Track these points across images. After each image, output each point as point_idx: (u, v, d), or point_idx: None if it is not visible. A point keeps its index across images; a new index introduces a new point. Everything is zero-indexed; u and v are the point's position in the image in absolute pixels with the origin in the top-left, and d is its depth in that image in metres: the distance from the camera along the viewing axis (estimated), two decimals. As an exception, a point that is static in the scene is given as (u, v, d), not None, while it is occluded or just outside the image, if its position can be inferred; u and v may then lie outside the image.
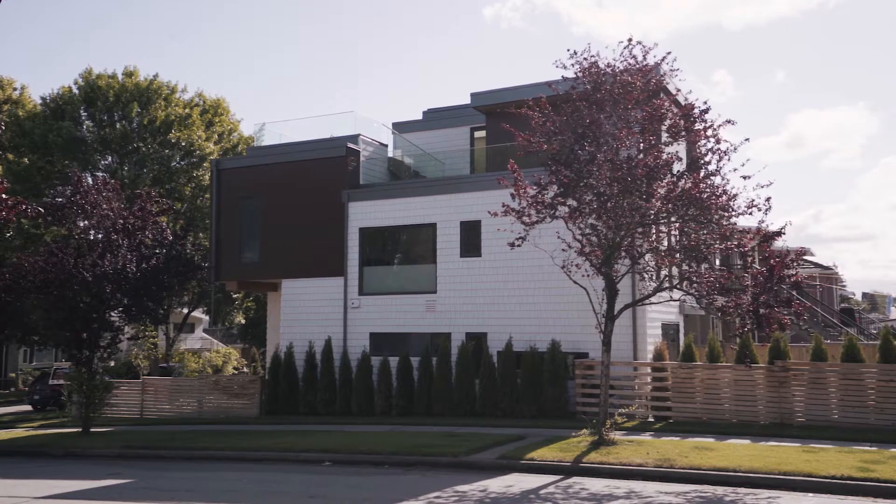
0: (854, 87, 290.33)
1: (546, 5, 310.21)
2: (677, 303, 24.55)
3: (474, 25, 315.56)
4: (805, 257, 31.67)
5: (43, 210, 17.74)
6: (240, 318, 52.82)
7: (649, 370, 21.01)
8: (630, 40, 17.19)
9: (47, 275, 21.98)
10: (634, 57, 17.16)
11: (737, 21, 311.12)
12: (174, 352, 44.02)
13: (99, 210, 22.89)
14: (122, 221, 23.36)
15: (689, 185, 15.76)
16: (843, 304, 53.81)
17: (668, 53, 17.35)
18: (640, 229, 16.43)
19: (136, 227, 23.70)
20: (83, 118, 41.88)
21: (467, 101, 27.46)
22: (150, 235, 24.32)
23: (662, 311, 23.12)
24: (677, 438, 17.35)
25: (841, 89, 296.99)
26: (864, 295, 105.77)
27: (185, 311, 46.40)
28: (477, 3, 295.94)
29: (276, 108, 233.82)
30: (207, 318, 65.61)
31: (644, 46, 17.26)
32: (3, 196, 10.08)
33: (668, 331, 24.27)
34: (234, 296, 46.29)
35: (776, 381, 19.06)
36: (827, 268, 50.54)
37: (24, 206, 11.37)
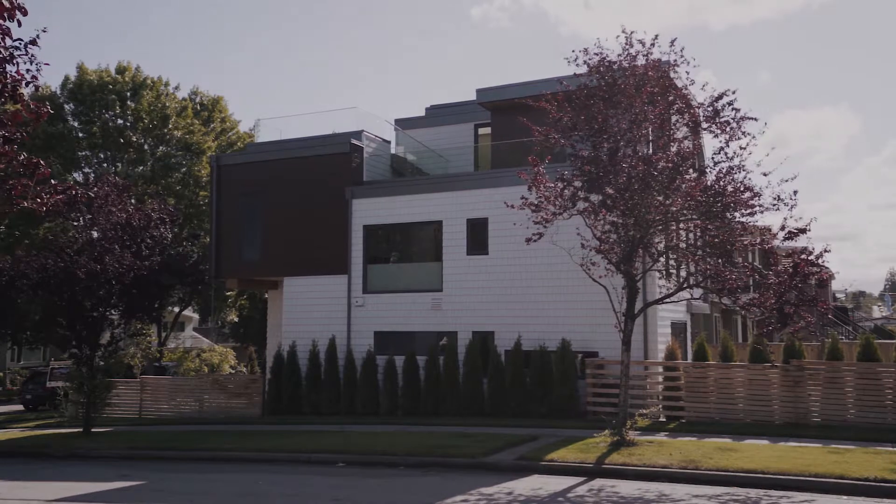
0: (837, 88, 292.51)
1: (534, 6, 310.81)
2: (685, 302, 24.39)
3: (462, 25, 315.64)
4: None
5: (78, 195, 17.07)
6: (233, 317, 52.27)
7: (661, 369, 20.82)
8: (626, 31, 16.84)
9: (46, 272, 21.53)
10: (641, 43, 16.75)
11: (722, 22, 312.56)
12: (174, 350, 43.47)
13: (106, 208, 22.44)
14: (124, 217, 22.94)
15: (712, 180, 15.54)
16: (835, 303, 54.03)
17: (675, 39, 16.82)
18: (660, 226, 16.21)
19: (138, 227, 23.30)
20: (67, 115, 41.26)
21: (458, 99, 27.19)
22: (150, 234, 23.90)
23: (672, 310, 22.95)
24: (695, 438, 17.15)
25: (824, 90, 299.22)
26: (861, 293, 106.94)
27: (177, 309, 45.86)
28: (465, 3, 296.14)
29: (272, 109, 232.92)
30: (198, 316, 65.04)
31: (642, 41, 16.89)
32: (53, 182, 9.73)
33: (677, 330, 24.10)
34: (228, 293, 45.79)
35: (791, 381, 18.90)
36: (822, 267, 50.61)
37: (74, 192, 11.00)
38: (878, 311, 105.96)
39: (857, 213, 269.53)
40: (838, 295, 76.73)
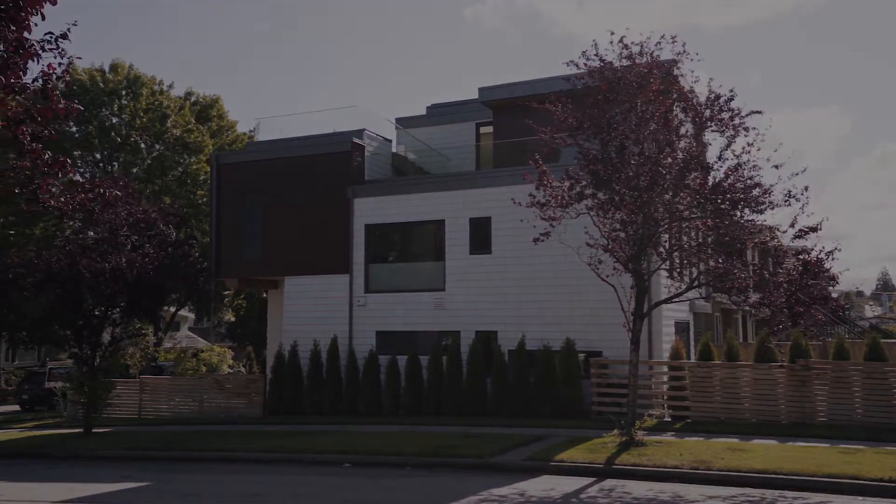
0: (828, 90, 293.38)
1: (527, 6, 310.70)
2: (688, 301, 24.32)
3: (456, 25, 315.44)
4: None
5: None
6: (230, 317, 52.05)
7: (666, 369, 20.73)
8: (614, 34, 16.78)
9: (50, 270, 21.35)
10: (640, 45, 16.64)
11: (714, 24, 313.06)
12: (171, 350, 43.26)
13: (114, 208, 22.27)
14: (137, 216, 22.88)
15: (721, 177, 15.47)
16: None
17: (675, 37, 16.73)
18: (666, 224, 16.13)
19: (142, 228, 23.18)
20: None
21: (455, 98, 27.10)
22: (154, 232, 23.79)
23: (676, 310, 22.87)
24: (702, 439, 17.08)
25: (814, 91, 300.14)
26: (860, 293, 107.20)
27: (173, 309, 45.62)
28: (458, 3, 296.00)
29: (272, 109, 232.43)
30: (193, 316, 64.74)
31: (640, 43, 16.79)
32: (81, 180, 9.68)
33: (680, 329, 24.03)
34: (225, 293, 45.60)
35: (798, 380, 18.82)
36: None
37: (101, 190, 10.84)
38: (869, 311, 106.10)
39: (848, 213, 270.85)
40: (833, 295, 76.88)
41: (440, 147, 28.43)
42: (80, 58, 9.03)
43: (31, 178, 9.03)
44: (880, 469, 12.77)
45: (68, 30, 8.76)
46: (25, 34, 8.27)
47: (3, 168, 9.31)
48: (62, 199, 9.33)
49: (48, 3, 8.11)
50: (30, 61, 8.43)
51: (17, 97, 8.72)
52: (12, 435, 24.02)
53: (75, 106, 8.88)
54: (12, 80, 8.17)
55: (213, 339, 62.00)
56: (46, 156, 8.82)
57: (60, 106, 8.51)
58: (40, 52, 8.52)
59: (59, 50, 8.72)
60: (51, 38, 8.73)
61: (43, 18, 8.16)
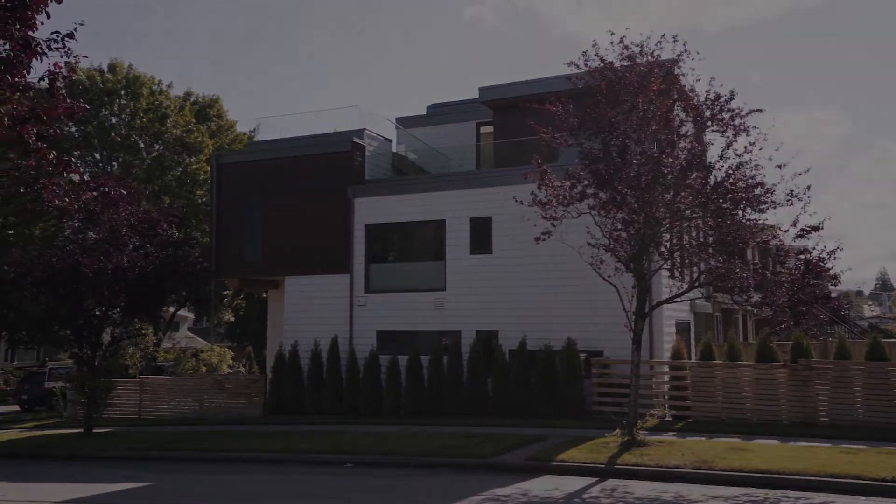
0: (827, 89, 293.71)
1: (527, 6, 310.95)
2: (689, 301, 24.31)
3: (455, 25, 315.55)
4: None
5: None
6: (229, 317, 51.99)
7: (667, 369, 20.73)
8: (614, 34, 16.81)
9: (52, 270, 21.32)
10: (640, 45, 16.63)
11: (715, 24, 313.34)
12: (170, 350, 43.19)
13: (115, 208, 22.25)
14: (139, 216, 22.89)
15: (722, 177, 15.45)
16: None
17: (676, 36, 16.66)
18: (667, 224, 16.12)
19: (144, 228, 23.18)
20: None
21: (455, 98, 27.08)
22: (156, 232, 23.78)
23: (676, 309, 22.86)
24: (704, 438, 17.07)
25: (815, 91, 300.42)
26: (860, 293, 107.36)
27: (173, 309, 45.54)
28: (458, 3, 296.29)
29: (272, 110, 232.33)
30: (192, 316, 64.68)
31: (640, 44, 16.78)
32: (85, 178, 9.66)
33: (680, 329, 24.02)
34: (224, 293, 45.55)
35: (799, 380, 18.81)
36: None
37: (107, 189, 10.80)
38: (868, 311, 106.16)
39: (847, 213, 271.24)
40: (833, 294, 76.88)
41: (440, 147, 28.42)
42: (86, 56, 9.02)
43: (36, 178, 8.99)
44: (882, 469, 12.75)
45: (75, 29, 8.72)
46: (31, 33, 8.25)
47: (6, 168, 9.31)
48: (66, 199, 9.29)
49: (54, 1, 8.11)
50: (34, 60, 8.40)
51: (22, 96, 8.69)
52: (12, 435, 24.00)
53: (81, 105, 8.83)
54: (17, 79, 8.15)
55: (213, 339, 61.88)
56: (51, 155, 8.77)
57: (65, 105, 8.48)
58: (46, 51, 8.50)
59: (66, 49, 8.69)
60: (57, 37, 8.69)
61: (48, 17, 8.14)
